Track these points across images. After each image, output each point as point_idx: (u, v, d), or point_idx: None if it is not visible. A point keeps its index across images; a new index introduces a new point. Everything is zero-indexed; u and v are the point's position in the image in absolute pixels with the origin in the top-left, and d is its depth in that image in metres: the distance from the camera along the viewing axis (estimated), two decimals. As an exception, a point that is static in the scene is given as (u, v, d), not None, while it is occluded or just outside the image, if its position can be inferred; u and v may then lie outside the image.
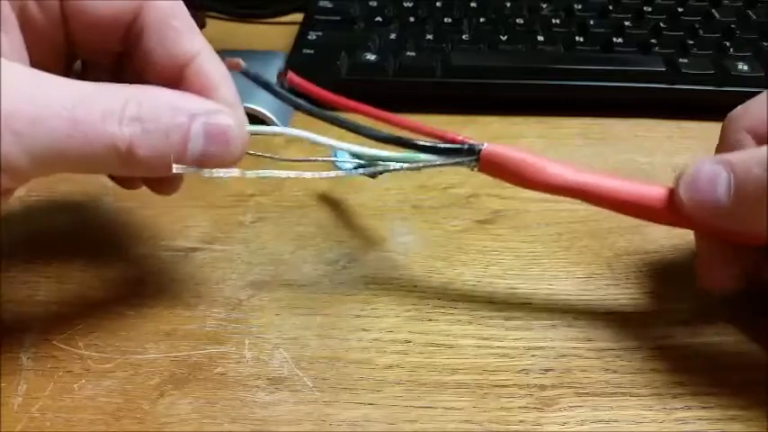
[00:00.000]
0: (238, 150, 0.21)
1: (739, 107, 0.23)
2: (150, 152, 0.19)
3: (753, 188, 0.20)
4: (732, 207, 0.20)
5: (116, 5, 0.22)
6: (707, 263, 0.24)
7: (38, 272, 0.27)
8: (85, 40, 0.23)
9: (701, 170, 0.21)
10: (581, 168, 0.23)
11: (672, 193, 0.22)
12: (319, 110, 0.23)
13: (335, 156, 0.24)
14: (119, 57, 0.24)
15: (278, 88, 0.23)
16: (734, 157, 0.21)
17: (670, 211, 0.22)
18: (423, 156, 0.23)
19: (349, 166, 0.24)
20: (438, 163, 0.24)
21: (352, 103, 0.23)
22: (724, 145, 0.23)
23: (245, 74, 0.22)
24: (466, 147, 0.23)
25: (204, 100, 0.21)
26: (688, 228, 0.23)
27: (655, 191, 0.22)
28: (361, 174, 0.24)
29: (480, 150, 0.23)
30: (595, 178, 0.23)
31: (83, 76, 0.25)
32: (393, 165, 0.23)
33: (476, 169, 0.23)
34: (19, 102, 0.18)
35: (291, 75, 0.23)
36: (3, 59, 0.19)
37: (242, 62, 0.22)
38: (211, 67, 0.23)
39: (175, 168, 0.20)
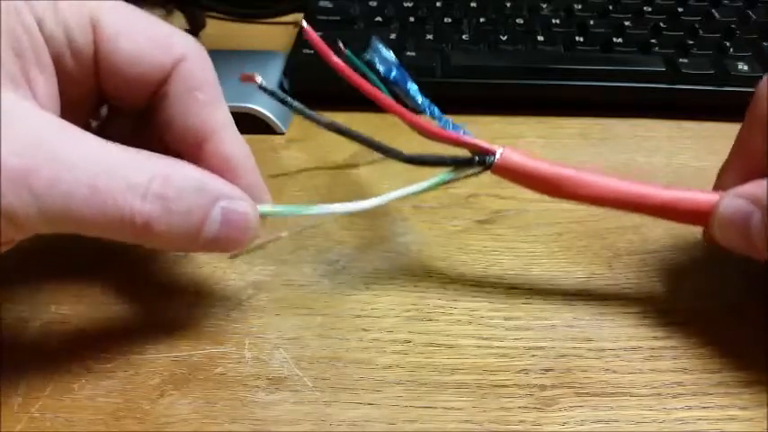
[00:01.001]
0: (249, 237, 0.22)
1: None
2: (166, 229, 0.19)
3: None
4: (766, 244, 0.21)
5: (146, 68, 0.22)
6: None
7: (38, 272, 0.27)
8: (114, 92, 0.23)
9: (733, 211, 0.21)
10: (597, 173, 0.23)
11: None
12: (331, 121, 0.23)
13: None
14: (146, 107, 0.24)
15: (292, 101, 0.23)
16: (763, 192, 0.21)
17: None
18: (434, 179, 0.24)
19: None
20: (450, 179, 0.24)
21: (355, 76, 0.24)
22: (754, 118, 0.23)
23: (262, 88, 0.22)
24: (476, 159, 0.23)
25: (228, 184, 0.21)
26: None
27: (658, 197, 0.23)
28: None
29: (492, 164, 0.23)
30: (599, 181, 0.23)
31: (108, 118, 0.26)
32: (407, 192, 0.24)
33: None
34: (43, 159, 0.18)
35: (309, 30, 0.24)
36: (35, 109, 0.19)
37: (258, 77, 0.22)
38: (232, 143, 0.23)
39: None
